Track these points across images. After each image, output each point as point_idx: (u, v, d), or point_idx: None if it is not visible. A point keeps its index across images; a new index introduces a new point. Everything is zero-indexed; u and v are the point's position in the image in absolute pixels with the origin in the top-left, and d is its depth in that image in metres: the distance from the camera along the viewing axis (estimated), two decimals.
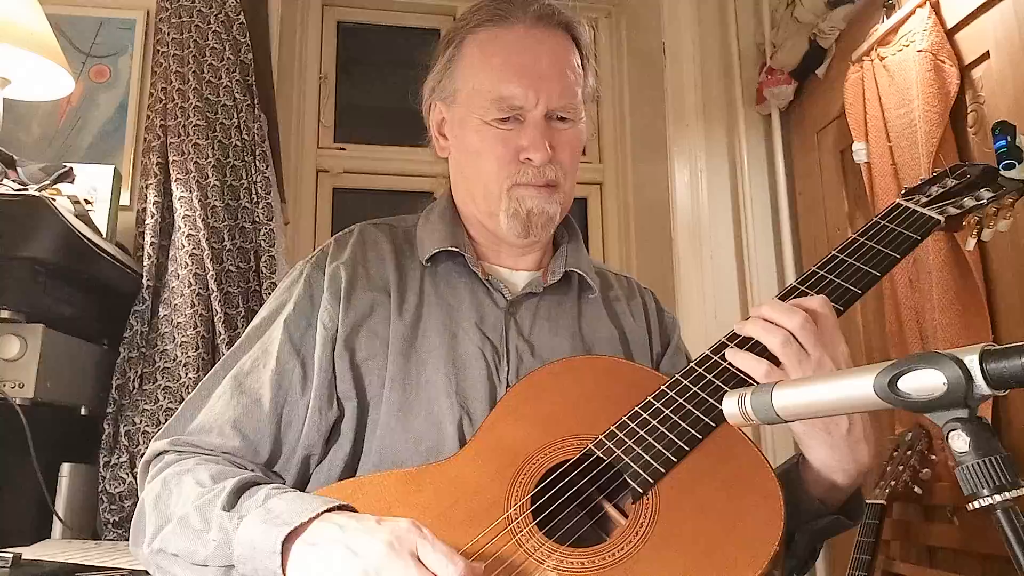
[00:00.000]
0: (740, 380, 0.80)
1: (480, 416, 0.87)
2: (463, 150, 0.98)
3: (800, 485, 0.82)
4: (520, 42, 0.94)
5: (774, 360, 0.79)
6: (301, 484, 0.88)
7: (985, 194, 0.95)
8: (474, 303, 0.96)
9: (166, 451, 0.86)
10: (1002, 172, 0.96)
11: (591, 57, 1.00)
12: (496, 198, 0.95)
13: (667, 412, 0.80)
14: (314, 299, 0.94)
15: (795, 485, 0.82)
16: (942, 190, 0.97)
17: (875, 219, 0.93)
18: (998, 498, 0.49)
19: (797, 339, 0.77)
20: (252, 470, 0.83)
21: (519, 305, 0.98)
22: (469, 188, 0.99)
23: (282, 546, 0.68)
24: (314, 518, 0.70)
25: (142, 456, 1.82)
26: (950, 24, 1.61)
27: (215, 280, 1.91)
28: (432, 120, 1.03)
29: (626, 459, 0.77)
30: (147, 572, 0.80)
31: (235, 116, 2.07)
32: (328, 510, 0.71)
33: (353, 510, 0.73)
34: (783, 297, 0.86)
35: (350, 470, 0.88)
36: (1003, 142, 0.96)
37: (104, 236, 1.84)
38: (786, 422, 0.61)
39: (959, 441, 0.50)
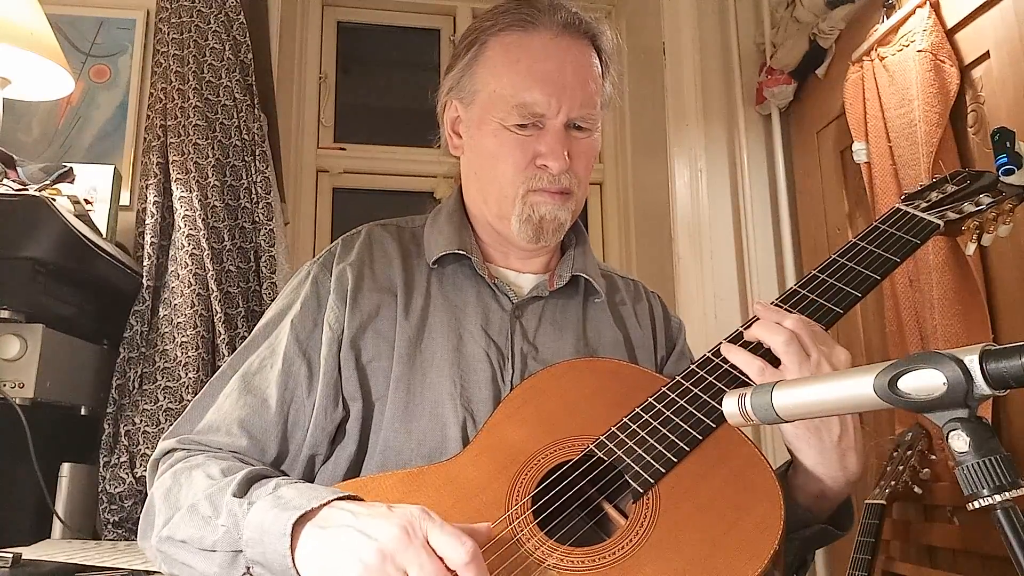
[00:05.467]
0: (741, 382, 0.80)
1: (484, 418, 0.87)
2: (478, 151, 0.98)
3: (788, 492, 0.82)
4: (545, 49, 0.94)
5: (772, 360, 0.79)
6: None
7: (985, 199, 0.95)
8: (480, 305, 0.97)
9: (175, 449, 0.86)
10: (1001, 178, 0.97)
11: (612, 67, 1.00)
12: (510, 202, 0.95)
13: (668, 413, 0.81)
14: (320, 300, 0.94)
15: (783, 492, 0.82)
16: (942, 195, 0.97)
17: (875, 223, 0.94)
18: (998, 498, 0.49)
19: (798, 338, 0.78)
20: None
21: (525, 308, 0.98)
22: (482, 189, 0.99)
23: (292, 529, 0.68)
24: (324, 504, 0.70)
25: (143, 456, 1.83)
26: (950, 24, 1.61)
27: (215, 280, 1.91)
28: (446, 118, 1.03)
29: (627, 460, 0.78)
30: (147, 572, 0.80)
31: (235, 116, 2.07)
32: (337, 498, 0.72)
33: (362, 500, 0.73)
34: (783, 300, 0.86)
35: (355, 470, 0.88)
36: (1002, 149, 0.96)
37: (104, 236, 1.84)
38: (786, 422, 0.61)
39: (959, 441, 0.50)
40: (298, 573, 0.68)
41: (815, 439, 0.78)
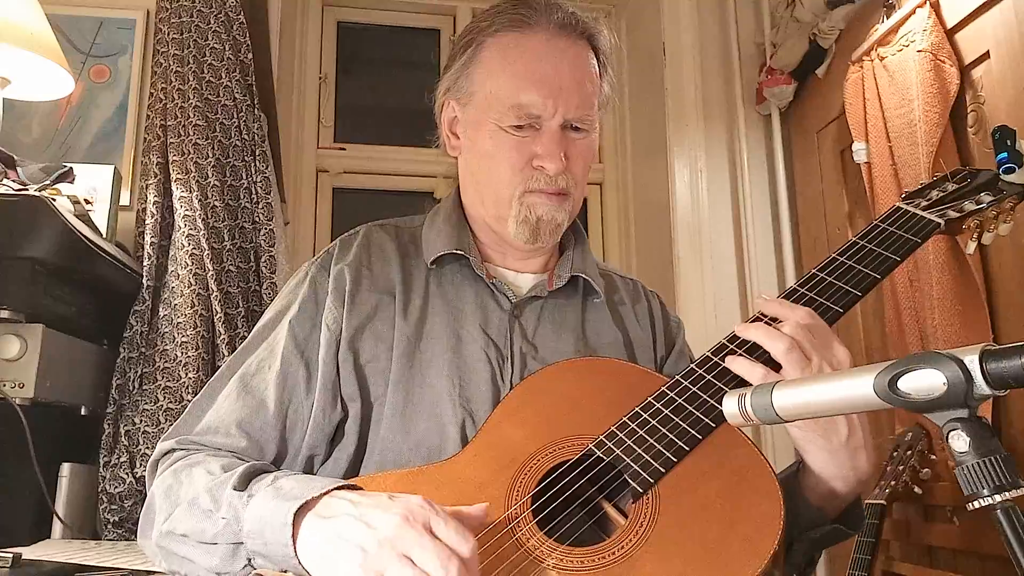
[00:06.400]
0: (740, 381, 0.80)
1: (483, 418, 0.87)
2: (475, 152, 0.98)
3: (799, 493, 0.82)
4: (542, 50, 0.93)
5: (773, 365, 0.79)
6: None
7: (985, 198, 0.95)
8: (479, 305, 0.97)
9: (174, 449, 0.87)
10: (1002, 176, 0.97)
11: (609, 66, 1.00)
12: (506, 203, 0.95)
13: (667, 412, 0.81)
14: (318, 300, 0.94)
15: (794, 493, 0.82)
16: (942, 194, 0.97)
17: (875, 222, 0.94)
18: (998, 498, 0.49)
19: (799, 344, 0.78)
20: None
21: (524, 308, 0.98)
22: (479, 190, 0.99)
23: (293, 519, 0.69)
24: (324, 494, 0.71)
25: (143, 456, 1.82)
26: (950, 24, 1.61)
27: (215, 280, 1.91)
28: (444, 118, 1.03)
29: (626, 459, 0.78)
30: (147, 572, 0.80)
31: (235, 116, 2.07)
32: (337, 488, 0.72)
33: (361, 490, 0.74)
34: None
35: (354, 470, 0.88)
36: (1003, 147, 0.96)
37: (104, 236, 1.84)
38: (786, 422, 0.61)
39: (959, 441, 0.50)
40: (300, 562, 0.68)
41: (823, 440, 0.78)
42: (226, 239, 1.98)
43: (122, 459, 1.79)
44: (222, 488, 0.75)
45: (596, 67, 0.98)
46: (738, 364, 0.81)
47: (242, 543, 0.72)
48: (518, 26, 0.95)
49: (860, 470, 0.79)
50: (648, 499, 0.74)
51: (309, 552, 0.68)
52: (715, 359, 0.84)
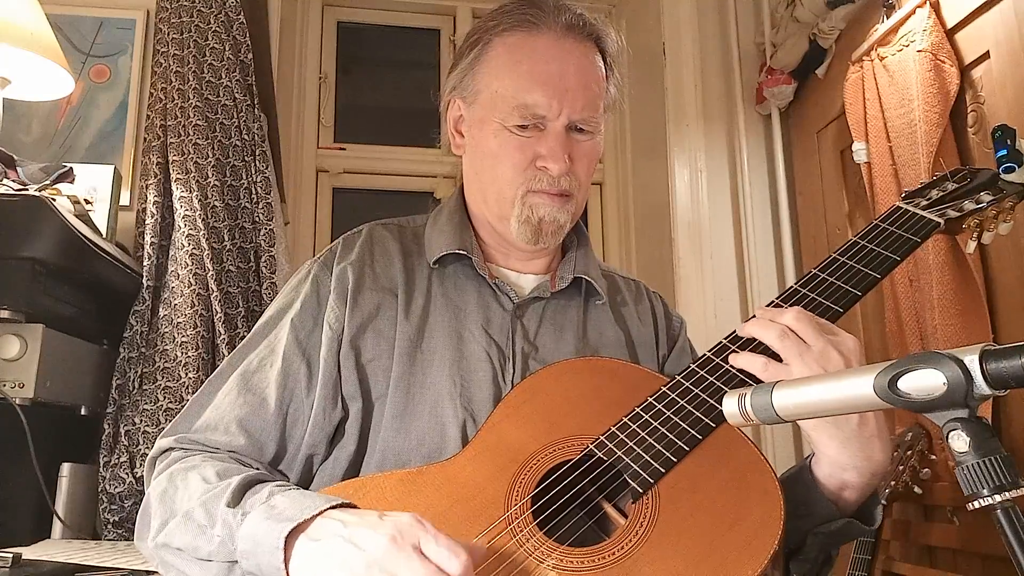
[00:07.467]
0: (740, 381, 0.80)
1: (484, 418, 0.87)
2: (479, 151, 0.98)
3: (812, 485, 0.81)
4: (548, 51, 0.93)
5: (776, 358, 0.78)
6: (305, 483, 0.89)
7: (985, 197, 0.95)
8: (481, 305, 0.97)
9: (172, 448, 0.86)
10: (1002, 176, 0.96)
11: (616, 69, 1.00)
12: (509, 203, 0.95)
13: (667, 413, 0.81)
14: (320, 299, 0.94)
15: (807, 486, 0.81)
16: (942, 193, 0.97)
17: (875, 222, 0.94)
18: (998, 498, 0.49)
19: (795, 332, 0.77)
20: (257, 468, 0.84)
21: (526, 308, 0.98)
22: (482, 189, 0.99)
23: (285, 542, 0.69)
24: (317, 515, 0.70)
25: (143, 456, 1.82)
26: (950, 24, 1.61)
27: (215, 280, 1.91)
28: (449, 116, 1.03)
29: (626, 459, 0.78)
30: (147, 572, 0.80)
31: (235, 116, 2.07)
32: (331, 507, 0.72)
33: (355, 508, 0.73)
34: (783, 299, 0.86)
35: (354, 469, 0.88)
36: (1003, 146, 0.96)
37: (104, 236, 1.84)
38: (786, 422, 0.61)
39: (959, 441, 0.50)
40: None
41: (835, 429, 0.77)
42: (226, 239, 1.98)
43: (122, 459, 1.79)
44: (216, 502, 0.74)
45: (603, 69, 0.98)
46: (740, 359, 0.81)
47: (237, 562, 0.72)
48: (525, 26, 0.95)
49: (874, 460, 0.77)
50: (648, 499, 0.74)
51: (301, 575, 0.68)
52: (716, 359, 0.84)
